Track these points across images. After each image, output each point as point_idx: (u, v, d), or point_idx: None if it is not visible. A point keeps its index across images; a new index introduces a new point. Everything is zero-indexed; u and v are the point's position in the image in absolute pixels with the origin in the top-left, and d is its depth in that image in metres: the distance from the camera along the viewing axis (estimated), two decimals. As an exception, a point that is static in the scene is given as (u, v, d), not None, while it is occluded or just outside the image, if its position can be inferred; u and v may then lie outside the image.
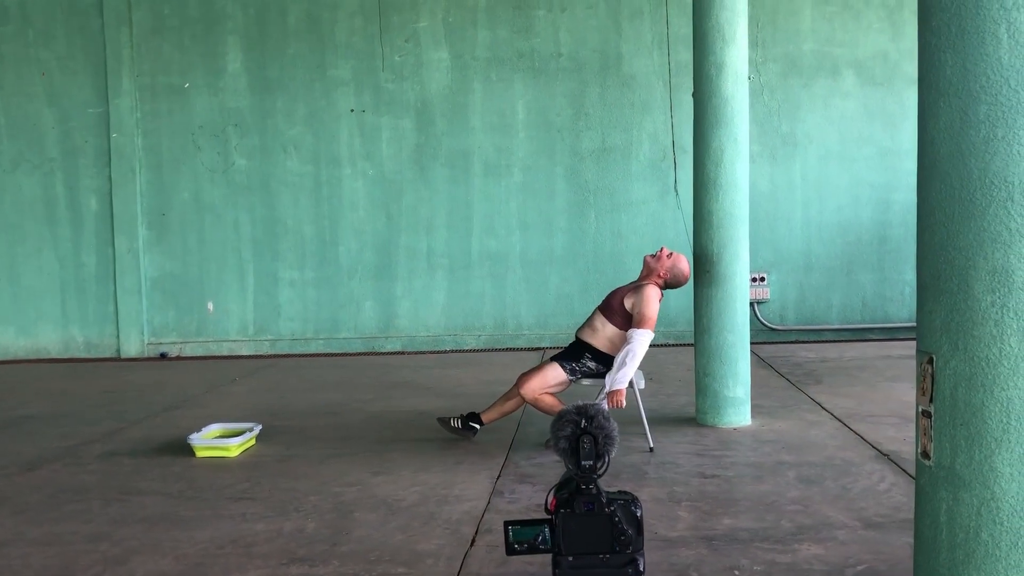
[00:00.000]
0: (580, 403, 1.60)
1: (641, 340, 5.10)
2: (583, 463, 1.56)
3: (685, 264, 5.53)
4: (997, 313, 1.86)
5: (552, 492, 1.60)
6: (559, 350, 5.73)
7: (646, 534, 1.68)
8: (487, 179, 9.90)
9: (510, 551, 1.61)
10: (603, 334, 5.35)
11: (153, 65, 10.02)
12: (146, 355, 10.13)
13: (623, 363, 5.02)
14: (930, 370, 1.97)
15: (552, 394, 5.32)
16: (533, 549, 1.56)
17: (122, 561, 3.71)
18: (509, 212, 9.95)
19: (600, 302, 5.61)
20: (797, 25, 9.71)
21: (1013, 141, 1.83)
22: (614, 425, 1.61)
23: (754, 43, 9.37)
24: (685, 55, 9.27)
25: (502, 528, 3.97)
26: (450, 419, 5.61)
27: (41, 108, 10.09)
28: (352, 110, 9.98)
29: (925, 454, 2.00)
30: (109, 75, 9.98)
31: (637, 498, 1.60)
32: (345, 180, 10.06)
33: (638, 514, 1.56)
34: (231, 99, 10.02)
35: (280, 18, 9.96)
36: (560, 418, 1.61)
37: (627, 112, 9.81)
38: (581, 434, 1.54)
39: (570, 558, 1.54)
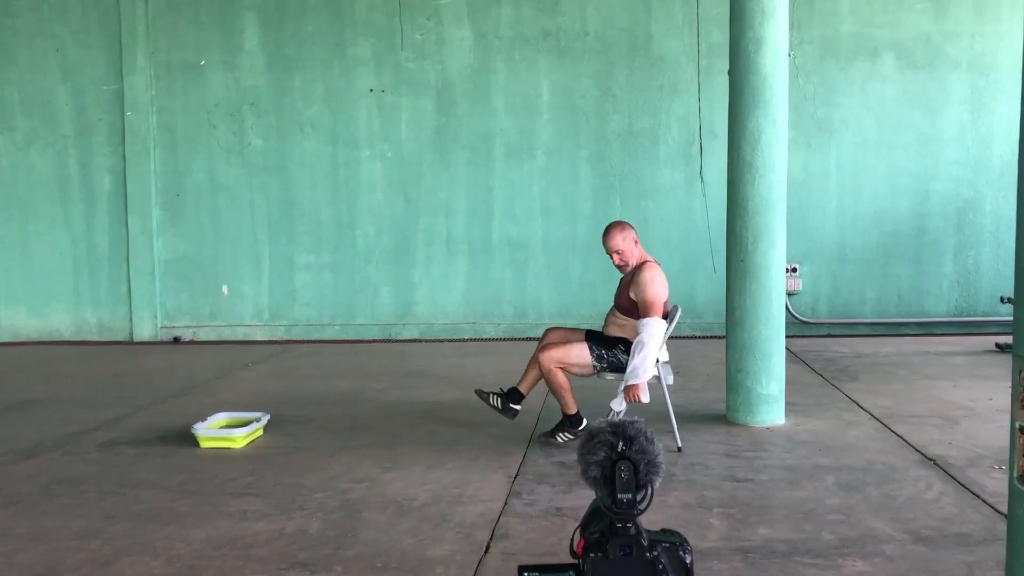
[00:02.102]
0: (616, 419, 1.29)
1: (649, 330, 4.73)
2: (620, 496, 1.25)
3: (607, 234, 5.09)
4: (1120, 313, 1.53)
5: (579, 530, 1.30)
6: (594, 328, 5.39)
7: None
8: (509, 163, 9.59)
9: (526, 605, 1.32)
10: (630, 328, 5.01)
11: (168, 42, 9.77)
12: (159, 339, 9.93)
13: (633, 355, 4.72)
14: (1031, 380, 1.65)
15: (566, 374, 5.00)
16: (554, 603, 1.27)
17: (110, 562, 3.46)
18: (531, 197, 9.63)
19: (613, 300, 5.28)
20: (835, 5, 9.29)
21: None
22: (659, 449, 1.31)
23: (790, 24, 8.93)
24: (716, 35, 8.92)
25: (518, 534, 3.71)
26: (490, 394, 5.22)
27: (55, 84, 9.87)
28: (371, 90, 9.69)
29: None
30: (124, 51, 9.74)
31: (686, 540, 1.29)
32: (363, 162, 9.78)
33: (687, 561, 1.26)
34: (248, 77, 9.76)
35: (299, -6, 9.67)
36: (591, 438, 1.30)
37: (655, 95, 9.44)
38: (618, 459, 1.24)
39: (601, 615, 1.25)
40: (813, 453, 4.87)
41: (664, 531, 1.28)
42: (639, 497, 1.25)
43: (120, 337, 10.00)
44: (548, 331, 5.34)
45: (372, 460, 4.89)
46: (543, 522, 3.87)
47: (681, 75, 9.39)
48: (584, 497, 4.18)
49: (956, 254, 9.43)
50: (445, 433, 5.45)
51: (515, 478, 4.50)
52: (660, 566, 1.21)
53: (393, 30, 9.60)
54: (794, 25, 9.06)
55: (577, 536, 1.28)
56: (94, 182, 9.93)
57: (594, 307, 9.47)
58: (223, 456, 5.02)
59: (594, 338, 5.09)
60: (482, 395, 5.24)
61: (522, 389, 5.20)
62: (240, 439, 5.19)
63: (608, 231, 5.05)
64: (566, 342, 5.04)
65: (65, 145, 9.91)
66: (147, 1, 9.71)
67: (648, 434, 1.28)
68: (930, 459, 4.70)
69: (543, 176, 9.59)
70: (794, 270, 9.31)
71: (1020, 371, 1.68)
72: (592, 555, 1.22)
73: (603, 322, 5.27)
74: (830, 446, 5.00)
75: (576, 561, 1.26)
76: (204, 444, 5.19)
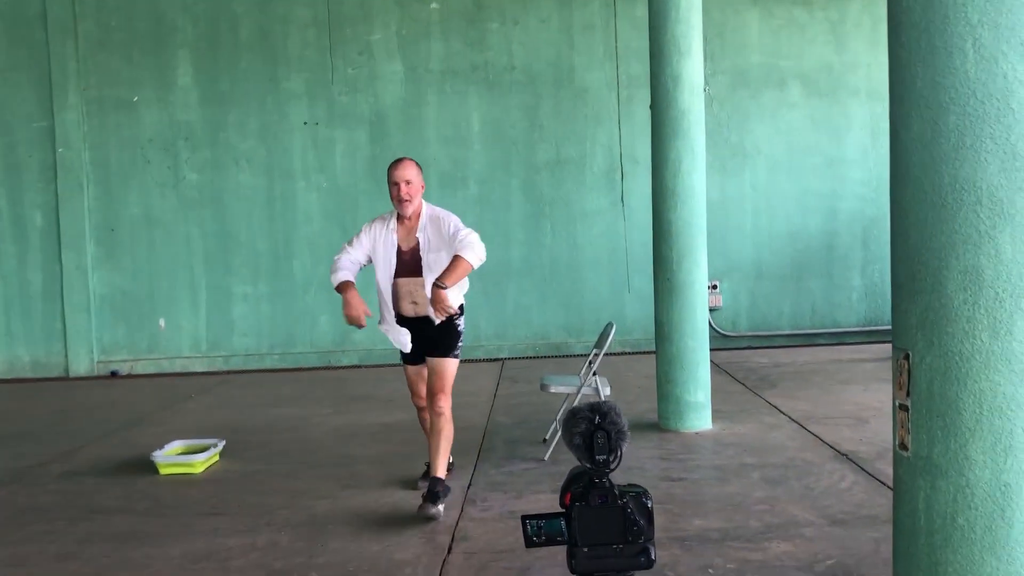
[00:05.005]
0: (593, 401, 1.66)
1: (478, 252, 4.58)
2: (597, 457, 1.62)
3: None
4: (969, 310, 1.97)
5: (565, 487, 1.67)
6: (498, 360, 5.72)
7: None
8: (443, 191, 9.91)
9: (529, 544, 1.67)
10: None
11: (100, 78, 9.86)
12: (96, 373, 9.92)
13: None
14: (907, 366, 2.07)
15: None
16: (551, 541, 1.63)
17: (95, 580, 3.66)
18: (465, 224, 9.95)
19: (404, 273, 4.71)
20: (744, 38, 9.95)
21: (980, 149, 1.95)
22: (625, 421, 1.68)
23: (704, 56, 9.55)
24: (635, 67, 9.46)
25: (478, 536, 4.03)
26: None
27: (-18, 122, 9.86)
28: (305, 123, 9.94)
29: (903, 446, 2.10)
30: (54, 88, 9.79)
31: (647, 491, 1.67)
32: (299, 193, 10.00)
33: (649, 505, 1.63)
34: (182, 112, 9.91)
35: (231, 31, 9.89)
36: (573, 415, 1.68)
37: (580, 124, 9.93)
38: (595, 430, 1.61)
39: (585, 549, 1.61)
40: (739, 453, 5.32)
41: (630, 485, 1.65)
42: (612, 459, 1.62)
43: (55, 373, 9.95)
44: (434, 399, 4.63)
45: (331, 479, 5.14)
46: (499, 525, 4.19)
47: (604, 105, 9.90)
48: (534, 502, 4.54)
49: (863, 268, 10.13)
50: (397, 451, 5.73)
51: (468, 488, 4.82)
52: (629, 510, 1.57)
53: (325, 65, 9.88)
54: (708, 57, 9.63)
55: (564, 491, 1.64)
56: (25, 219, 9.91)
57: (529, 328, 9.88)
58: (184, 481, 5.21)
59: (437, 348, 4.65)
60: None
61: (440, 472, 4.52)
62: (199, 464, 5.38)
63: (406, 160, 4.71)
64: (439, 377, 4.60)
65: (-6, 183, 9.88)
66: (77, 38, 9.80)
67: (617, 410, 1.65)
68: (843, 454, 5.19)
69: (476, 203, 9.95)
70: (715, 287, 9.86)
71: (897, 359, 2.10)
72: (578, 504, 1.59)
73: (410, 307, 4.75)
74: (754, 447, 5.46)
75: (565, 510, 1.62)
76: (163, 471, 5.36)
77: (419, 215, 4.70)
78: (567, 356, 9.70)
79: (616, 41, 9.79)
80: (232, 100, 9.90)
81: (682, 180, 5.82)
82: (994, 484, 1.98)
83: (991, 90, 1.94)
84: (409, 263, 4.67)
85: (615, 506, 1.58)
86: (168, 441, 5.81)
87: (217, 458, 5.64)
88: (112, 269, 9.98)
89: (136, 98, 9.89)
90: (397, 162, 4.71)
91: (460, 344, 4.72)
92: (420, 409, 4.94)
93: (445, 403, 4.57)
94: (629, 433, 1.68)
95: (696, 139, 5.84)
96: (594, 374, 5.48)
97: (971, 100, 1.95)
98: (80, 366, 9.93)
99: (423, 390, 4.79)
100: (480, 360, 9.76)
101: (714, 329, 9.83)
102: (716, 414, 6.15)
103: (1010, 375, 1.96)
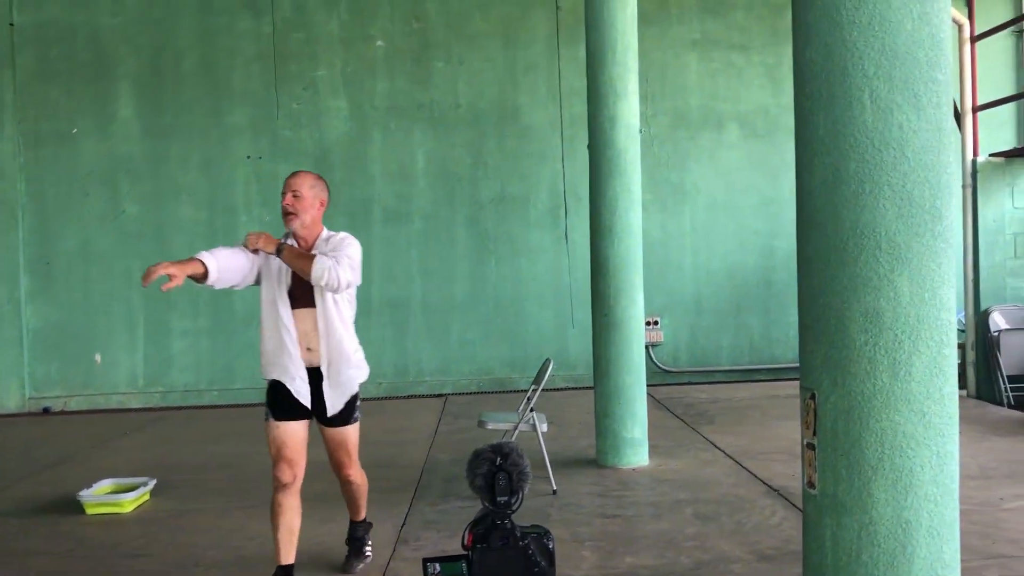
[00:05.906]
0: (496, 441, 1.68)
1: (325, 263, 3.85)
2: (498, 499, 1.64)
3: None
4: (870, 351, 2.03)
5: (468, 528, 1.67)
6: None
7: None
8: (387, 226, 9.94)
9: (429, 587, 1.67)
10: (339, 323, 3.99)
11: (38, 110, 9.71)
12: (27, 410, 9.64)
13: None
14: (813, 405, 2.13)
15: None
16: (451, 584, 1.63)
17: (9, 626, 3.54)
18: (410, 259, 9.98)
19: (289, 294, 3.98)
20: (684, 80, 10.18)
21: (879, 196, 2.03)
22: (527, 462, 1.70)
23: (644, 97, 9.71)
24: (578, 107, 9.60)
25: (409, 575, 3.99)
26: None
27: (-87, 152, 9.62)
28: (248, 157, 9.89)
29: (811, 484, 2.15)
30: (-10, 120, 9.63)
31: (549, 531, 1.68)
32: (241, 227, 9.89)
33: (550, 546, 1.65)
34: (122, 145, 9.79)
35: (175, 64, 9.83)
36: (476, 456, 1.69)
37: (524, 162, 10.04)
38: (496, 471, 1.63)
39: (487, 591, 1.62)
40: (674, 489, 5.36)
41: (533, 526, 1.66)
42: (513, 500, 1.63)
43: (-16, 410, 9.66)
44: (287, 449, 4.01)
45: (262, 519, 5.01)
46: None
47: (547, 143, 10.03)
48: (468, 539, 4.50)
49: (800, 305, 10.32)
50: (333, 489, 5.62)
51: (403, 526, 4.78)
52: (530, 551, 1.58)
53: (270, 100, 9.86)
54: (648, 98, 9.88)
55: (467, 533, 1.65)
56: (-45, 251, 9.67)
57: (473, 363, 9.87)
58: (111, 521, 5.08)
59: (337, 416, 4.05)
60: None
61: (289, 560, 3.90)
62: (127, 504, 5.26)
63: (303, 172, 4.15)
64: (342, 448, 4.10)
65: (-76, 214, 9.64)
66: (15, 69, 9.66)
67: (519, 451, 1.67)
68: (775, 490, 5.27)
69: (421, 239, 9.98)
70: (656, 323, 9.98)
71: (804, 399, 2.16)
72: (479, 546, 1.59)
73: (304, 353, 3.97)
74: (689, 483, 5.51)
75: (467, 551, 1.62)
76: (90, 511, 5.22)
77: (316, 237, 4.06)
78: (511, 391, 9.70)
79: (559, 81, 9.95)
80: (174, 133, 9.82)
81: (619, 218, 5.92)
82: (896, 521, 2.03)
83: (887, 139, 2.03)
84: (301, 289, 3.90)
85: (516, 548, 1.59)
86: (98, 480, 5.67)
87: (147, 497, 5.51)
88: (47, 303, 9.76)
89: (75, 130, 9.76)
90: (294, 172, 4.10)
91: (359, 406, 4.09)
92: (281, 489, 3.89)
93: (355, 473, 4.13)
94: (531, 474, 1.70)
95: (632, 178, 5.94)
96: (531, 410, 5.49)
97: (869, 148, 2.04)
98: (10, 402, 9.65)
99: (295, 457, 3.93)
100: (423, 396, 9.72)
101: (655, 364, 9.95)
102: (654, 450, 6.20)
103: (909, 414, 2.03)
